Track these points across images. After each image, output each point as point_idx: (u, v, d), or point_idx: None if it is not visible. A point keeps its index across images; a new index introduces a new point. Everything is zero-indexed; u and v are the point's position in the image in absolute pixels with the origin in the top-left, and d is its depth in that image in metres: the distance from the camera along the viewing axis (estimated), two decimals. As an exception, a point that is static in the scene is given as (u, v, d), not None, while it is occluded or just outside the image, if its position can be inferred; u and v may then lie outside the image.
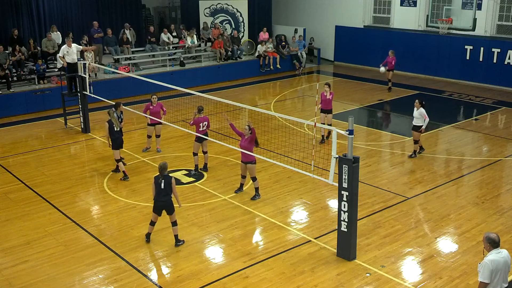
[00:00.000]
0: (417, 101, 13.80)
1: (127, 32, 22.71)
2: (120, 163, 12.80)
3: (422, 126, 13.62)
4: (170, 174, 12.92)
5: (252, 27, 26.84)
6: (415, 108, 13.73)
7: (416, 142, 14.00)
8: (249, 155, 11.12)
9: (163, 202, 9.48)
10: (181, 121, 12.96)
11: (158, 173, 9.52)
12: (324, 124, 14.41)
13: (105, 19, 24.00)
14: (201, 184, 12.53)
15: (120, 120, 13.02)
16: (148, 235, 9.86)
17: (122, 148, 12.91)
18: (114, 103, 13.40)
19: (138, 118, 16.94)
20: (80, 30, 22.35)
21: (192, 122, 12.67)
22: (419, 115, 13.65)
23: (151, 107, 14.04)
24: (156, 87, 14.12)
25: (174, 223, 9.66)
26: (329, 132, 15.07)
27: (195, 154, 13.03)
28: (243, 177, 11.77)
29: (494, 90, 21.50)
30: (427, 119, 13.59)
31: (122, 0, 24.70)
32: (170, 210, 9.56)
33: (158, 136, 14.51)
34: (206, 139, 12.84)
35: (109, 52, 22.46)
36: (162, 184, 9.39)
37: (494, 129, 16.85)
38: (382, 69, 20.42)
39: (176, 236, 9.73)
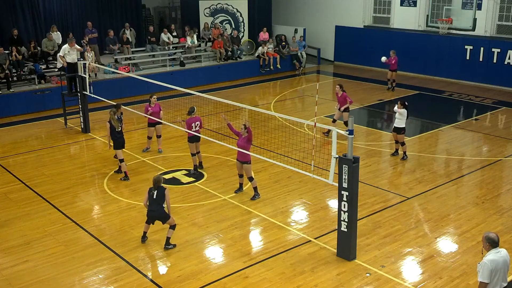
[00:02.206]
0: (399, 102, 13.68)
1: (127, 32, 22.72)
2: (123, 163, 12.81)
3: (404, 127, 13.57)
4: (171, 174, 13.03)
5: (252, 27, 26.84)
6: (398, 109, 13.61)
7: (402, 144, 13.91)
8: (245, 154, 11.12)
9: (154, 212, 9.46)
10: (181, 121, 12.95)
11: (152, 186, 9.49)
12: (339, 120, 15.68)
13: (105, 19, 24.04)
14: (201, 184, 12.53)
15: (120, 120, 13.02)
16: (144, 235, 9.84)
17: (124, 148, 12.91)
18: (114, 104, 13.39)
19: (138, 118, 16.94)
20: (80, 30, 22.35)
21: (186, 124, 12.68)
22: (399, 116, 13.55)
23: (149, 108, 14.06)
24: (156, 87, 14.14)
25: (172, 227, 9.62)
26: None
27: (193, 154, 13.03)
28: (241, 176, 11.77)
29: (494, 90, 21.50)
30: (400, 122, 13.51)
31: (122, 0, 24.71)
32: (164, 220, 9.54)
33: (159, 136, 14.50)
34: (198, 141, 12.85)
35: (109, 52, 22.50)
36: (155, 195, 9.38)
37: (494, 129, 16.86)
38: (384, 58, 20.50)
39: (168, 239, 9.67)
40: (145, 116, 14.26)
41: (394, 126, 13.75)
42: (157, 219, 9.57)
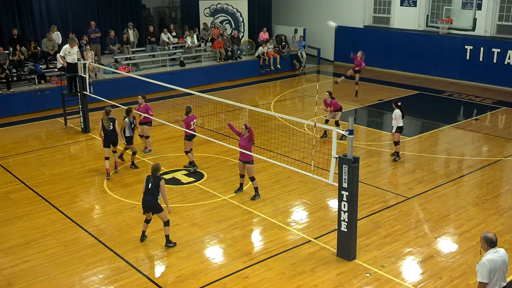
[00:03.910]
0: (394, 103, 13.66)
1: (130, 32, 22.72)
2: (107, 161, 12.82)
3: (400, 126, 13.50)
4: (171, 174, 13.04)
5: (252, 27, 26.85)
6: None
7: (396, 143, 13.81)
8: (248, 154, 11.14)
9: (147, 202, 9.50)
10: (181, 121, 12.97)
11: (150, 174, 9.53)
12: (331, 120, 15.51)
13: (105, 19, 24.02)
14: (201, 184, 12.54)
15: (133, 125, 13.23)
16: (142, 234, 9.87)
17: (114, 146, 12.94)
18: (126, 108, 13.44)
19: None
20: (80, 30, 22.33)
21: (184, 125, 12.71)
22: (393, 116, 13.50)
23: (139, 108, 14.19)
24: (156, 87, 14.14)
25: (166, 223, 9.63)
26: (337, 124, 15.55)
27: (188, 152, 13.07)
28: (242, 176, 11.78)
29: (494, 90, 21.50)
30: (397, 120, 13.37)
31: (122, 0, 24.71)
32: (155, 210, 9.55)
33: (146, 137, 14.52)
34: (194, 138, 12.97)
35: (109, 52, 22.50)
36: (150, 184, 9.41)
37: (494, 129, 16.86)
38: (332, 23, 18.82)
39: (167, 237, 9.69)
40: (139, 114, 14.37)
41: (392, 126, 13.72)
42: (149, 209, 9.57)
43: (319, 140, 15.31)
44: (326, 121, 15.54)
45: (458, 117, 18.61)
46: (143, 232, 9.91)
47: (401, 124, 13.53)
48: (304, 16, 28.18)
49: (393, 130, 13.62)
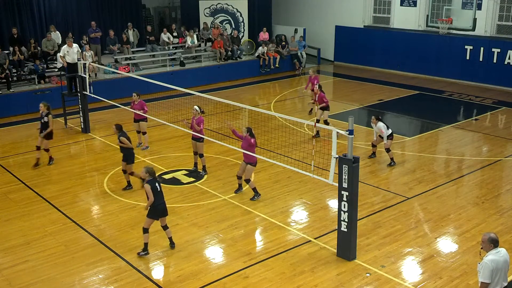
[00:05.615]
0: (373, 117, 13.59)
1: (130, 32, 22.72)
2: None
3: (391, 133, 13.41)
4: (171, 174, 13.05)
5: (252, 27, 26.84)
6: (373, 125, 13.54)
7: (388, 150, 13.60)
8: (250, 156, 11.15)
9: (163, 204, 9.40)
10: (180, 121, 12.95)
11: (151, 178, 9.30)
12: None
13: (105, 19, 24.04)
14: (201, 184, 12.53)
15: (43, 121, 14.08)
16: (146, 246, 9.46)
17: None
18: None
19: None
20: (80, 30, 22.37)
21: (201, 128, 12.54)
22: (378, 130, 13.49)
23: (133, 105, 14.32)
24: (156, 87, 14.15)
25: (166, 226, 9.57)
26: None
27: (203, 155, 13.01)
28: (239, 177, 11.77)
29: (494, 90, 21.50)
30: (384, 133, 13.24)
31: (122, 0, 24.71)
32: (167, 212, 9.49)
33: (143, 133, 14.66)
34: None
35: (109, 52, 22.50)
36: (159, 188, 9.32)
37: (494, 129, 16.86)
38: None
39: (171, 238, 9.65)
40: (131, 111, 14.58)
41: (382, 137, 13.48)
42: (165, 211, 9.43)
43: (319, 140, 15.29)
44: (317, 121, 15.30)
45: (458, 117, 18.60)
46: (146, 244, 9.46)
47: (390, 132, 13.46)
48: (304, 16, 28.18)
49: (385, 141, 13.36)
